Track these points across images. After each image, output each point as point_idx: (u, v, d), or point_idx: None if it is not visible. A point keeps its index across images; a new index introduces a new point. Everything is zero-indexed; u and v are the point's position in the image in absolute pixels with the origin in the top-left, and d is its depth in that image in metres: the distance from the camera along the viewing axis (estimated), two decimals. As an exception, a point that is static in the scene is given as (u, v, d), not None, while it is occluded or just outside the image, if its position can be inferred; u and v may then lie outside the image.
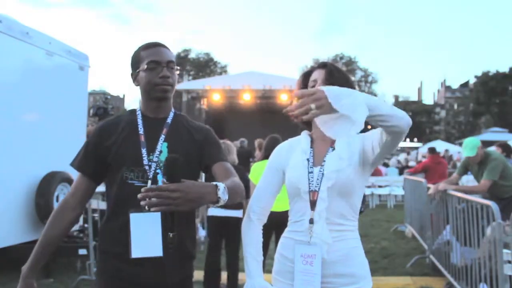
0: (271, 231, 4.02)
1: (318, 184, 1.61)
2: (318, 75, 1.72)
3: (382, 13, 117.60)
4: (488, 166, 4.66)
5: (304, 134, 1.78)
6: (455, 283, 4.49)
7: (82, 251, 4.96)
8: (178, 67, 1.76)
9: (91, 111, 7.96)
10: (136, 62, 1.74)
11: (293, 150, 1.74)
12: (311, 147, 1.72)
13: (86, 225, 5.27)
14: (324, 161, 1.65)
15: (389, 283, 4.91)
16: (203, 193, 1.38)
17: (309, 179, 1.63)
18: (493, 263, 3.58)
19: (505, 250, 3.39)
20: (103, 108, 7.93)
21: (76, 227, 5.51)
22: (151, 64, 1.68)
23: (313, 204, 1.61)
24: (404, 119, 1.41)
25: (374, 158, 1.62)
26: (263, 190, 1.76)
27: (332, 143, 1.69)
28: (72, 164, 1.79)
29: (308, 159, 1.68)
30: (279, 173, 1.74)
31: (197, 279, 4.76)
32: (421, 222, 6.40)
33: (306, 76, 1.78)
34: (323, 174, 1.62)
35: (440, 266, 5.12)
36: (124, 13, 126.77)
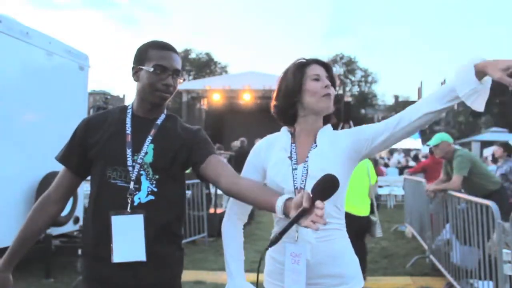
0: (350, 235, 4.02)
1: (303, 181, 1.58)
2: (319, 70, 1.67)
3: (382, 14, 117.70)
4: (454, 162, 4.84)
5: (284, 130, 1.74)
6: (455, 283, 4.48)
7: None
8: (183, 78, 1.71)
9: (91, 111, 7.97)
10: (142, 58, 1.66)
11: (273, 147, 1.69)
12: (293, 143, 1.68)
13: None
14: (308, 157, 1.62)
15: (389, 283, 4.88)
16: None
17: (293, 176, 1.60)
18: (493, 263, 3.58)
19: (505, 250, 3.39)
20: (103, 108, 7.93)
21: (76, 227, 5.51)
22: (158, 68, 1.61)
23: None
24: None
25: (370, 149, 1.60)
26: None
27: (314, 139, 1.66)
28: (56, 156, 1.76)
29: (289, 157, 1.64)
30: (259, 172, 1.68)
31: (198, 279, 4.77)
32: (421, 222, 6.40)
33: (301, 67, 1.68)
34: (307, 170, 1.59)
35: (440, 266, 5.12)
36: (130, 14, 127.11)
